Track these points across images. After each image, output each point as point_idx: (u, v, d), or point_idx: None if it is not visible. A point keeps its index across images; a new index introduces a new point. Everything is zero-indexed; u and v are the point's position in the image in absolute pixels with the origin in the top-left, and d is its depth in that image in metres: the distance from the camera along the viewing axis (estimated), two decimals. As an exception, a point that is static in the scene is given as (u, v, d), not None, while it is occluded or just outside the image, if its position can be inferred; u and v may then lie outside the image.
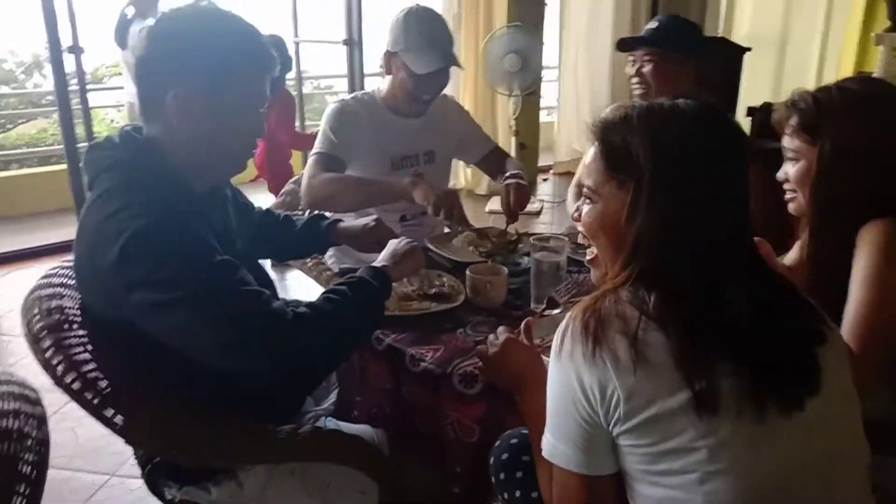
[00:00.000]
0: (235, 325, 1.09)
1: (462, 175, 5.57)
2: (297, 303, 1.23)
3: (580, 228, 1.02)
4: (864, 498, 0.90)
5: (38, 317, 1.24)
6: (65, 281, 1.35)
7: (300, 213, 2.12)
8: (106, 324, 1.19)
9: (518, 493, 1.19)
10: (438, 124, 2.19)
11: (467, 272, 1.61)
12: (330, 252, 2.22)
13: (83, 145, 4.30)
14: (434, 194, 1.83)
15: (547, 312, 1.45)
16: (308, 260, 2.16)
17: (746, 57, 5.00)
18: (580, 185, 2.35)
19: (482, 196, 5.44)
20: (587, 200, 0.98)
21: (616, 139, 0.91)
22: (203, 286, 1.09)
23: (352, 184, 2.00)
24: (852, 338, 1.16)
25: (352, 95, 2.19)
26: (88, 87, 4.33)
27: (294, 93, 4.80)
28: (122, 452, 2.27)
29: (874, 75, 4.94)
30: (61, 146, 4.64)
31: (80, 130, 4.29)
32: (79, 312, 1.29)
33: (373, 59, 5.15)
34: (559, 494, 0.93)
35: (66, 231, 4.43)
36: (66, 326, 1.25)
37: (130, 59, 4.63)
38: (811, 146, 1.30)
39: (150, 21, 4.47)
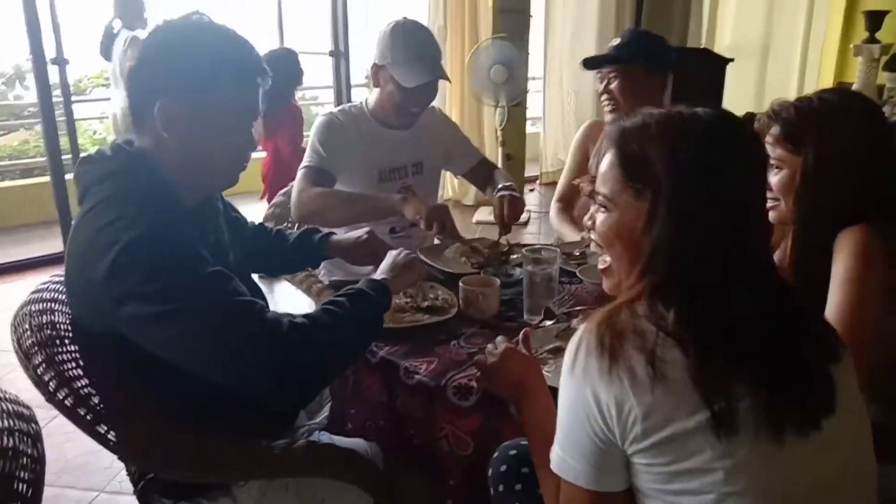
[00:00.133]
0: (229, 335, 1.08)
1: (449, 186, 5.58)
2: (293, 315, 1.23)
3: (593, 237, 1.00)
4: None
5: (28, 332, 1.23)
6: (55, 296, 1.34)
7: (290, 225, 2.12)
8: (98, 338, 1.18)
9: (517, 505, 1.18)
10: (426, 135, 2.20)
11: (460, 284, 1.62)
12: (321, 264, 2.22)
13: (67, 157, 4.27)
14: (425, 209, 1.83)
15: (543, 324, 1.46)
16: (298, 272, 2.15)
17: (729, 67, 5.08)
18: (563, 200, 2.39)
19: (469, 206, 5.46)
20: (602, 209, 0.95)
21: (634, 147, 0.90)
22: (195, 297, 1.08)
23: (342, 199, 2.01)
24: None
25: (339, 108, 2.20)
26: (73, 98, 4.30)
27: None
28: (110, 468, 2.25)
29: (854, 85, 5.03)
30: (44, 158, 4.62)
31: (63, 142, 4.26)
32: (70, 327, 1.28)
33: (358, 70, 5.17)
34: None
35: (50, 244, 4.39)
36: (57, 342, 1.24)
37: (116, 70, 4.61)
38: (793, 155, 1.33)
39: (137, 33, 4.49)
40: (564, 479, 0.90)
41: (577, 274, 1.79)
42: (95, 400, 1.22)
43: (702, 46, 5.67)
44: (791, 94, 1.61)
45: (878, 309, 1.22)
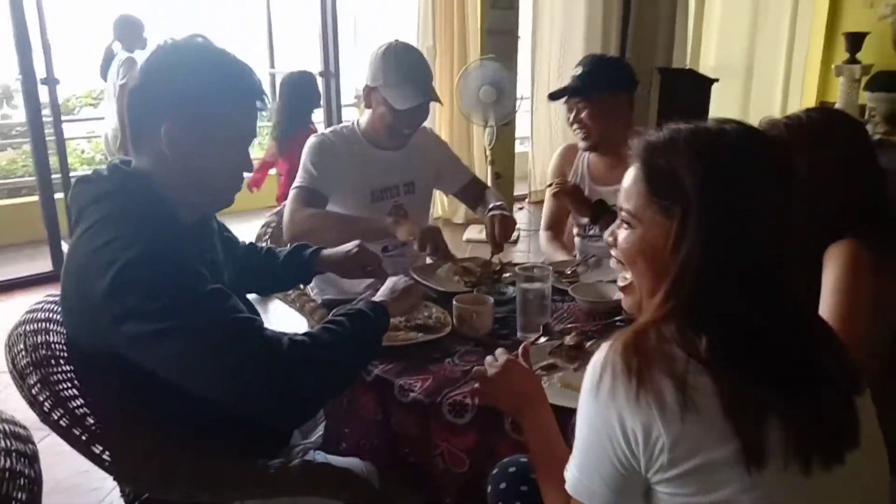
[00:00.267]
0: (229, 353, 1.08)
1: (439, 204, 5.61)
2: (294, 333, 1.23)
3: (614, 253, 0.98)
4: None
5: (23, 352, 1.24)
6: (50, 315, 1.34)
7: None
8: (94, 358, 1.18)
9: (516, 523, 1.18)
10: (418, 155, 2.22)
11: (453, 302, 1.63)
12: (313, 283, 2.22)
13: (56, 177, 4.26)
14: (418, 230, 1.85)
15: (537, 341, 1.46)
16: (290, 291, 2.16)
17: (714, 87, 5.16)
18: (552, 228, 2.41)
19: (459, 225, 5.48)
20: (625, 225, 0.93)
21: (661, 162, 0.87)
22: (195, 315, 1.08)
23: (335, 220, 2.02)
24: None
25: (331, 129, 2.22)
26: (63, 118, 4.30)
27: (270, 123, 4.82)
28: (100, 489, 2.23)
29: (836, 105, 5.12)
30: (32, 178, 4.60)
31: (52, 161, 4.25)
32: (65, 347, 1.28)
33: (348, 90, 5.20)
34: None
35: (38, 264, 4.36)
36: (52, 362, 1.25)
37: (111, 90, 4.64)
38: None
39: (136, 54, 4.52)
40: (578, 501, 0.88)
41: (570, 292, 1.81)
42: (91, 420, 1.22)
43: (687, 67, 5.75)
44: (775, 114, 1.65)
45: (867, 317, 1.25)
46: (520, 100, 4.82)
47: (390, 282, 1.48)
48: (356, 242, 1.72)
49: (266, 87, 1.38)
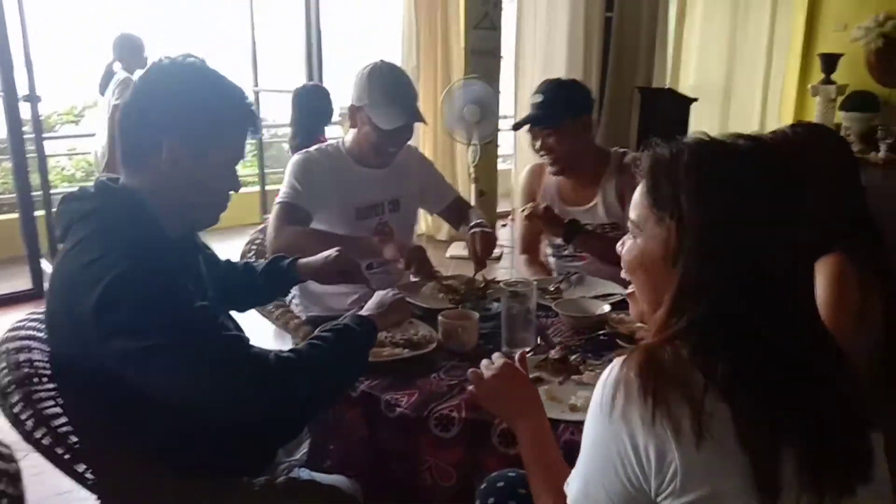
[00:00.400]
0: (218, 370, 1.09)
1: (423, 221, 5.62)
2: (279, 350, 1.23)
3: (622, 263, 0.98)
4: None
5: (5, 370, 1.22)
6: (33, 333, 1.33)
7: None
8: (79, 375, 1.18)
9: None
10: (402, 173, 2.23)
11: (439, 317, 1.64)
12: (297, 300, 2.22)
13: (37, 194, 4.23)
14: (404, 249, 1.86)
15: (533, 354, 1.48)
16: (273, 308, 2.15)
17: (693, 106, 5.24)
18: (529, 251, 2.43)
19: (443, 242, 5.50)
20: (630, 235, 0.94)
21: (663, 175, 0.87)
22: (184, 332, 1.09)
23: (320, 239, 2.02)
24: None
25: (316, 147, 2.23)
26: (44, 135, 4.28)
27: (252, 141, 4.83)
28: (79, 511, 2.19)
29: (813, 124, 5.20)
30: (13, 195, 4.56)
31: (33, 179, 4.22)
32: (48, 365, 1.27)
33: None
34: None
35: (18, 282, 4.30)
36: (35, 380, 1.24)
37: (106, 108, 4.65)
38: None
39: (136, 74, 4.54)
40: None
41: (553, 307, 1.82)
42: (74, 438, 1.20)
43: (667, 87, 5.84)
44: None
45: (851, 332, 1.28)
46: (503, 119, 4.86)
47: (378, 295, 1.48)
48: (336, 248, 1.72)
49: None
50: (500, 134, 5.41)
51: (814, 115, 5.41)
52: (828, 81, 5.35)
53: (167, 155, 1.20)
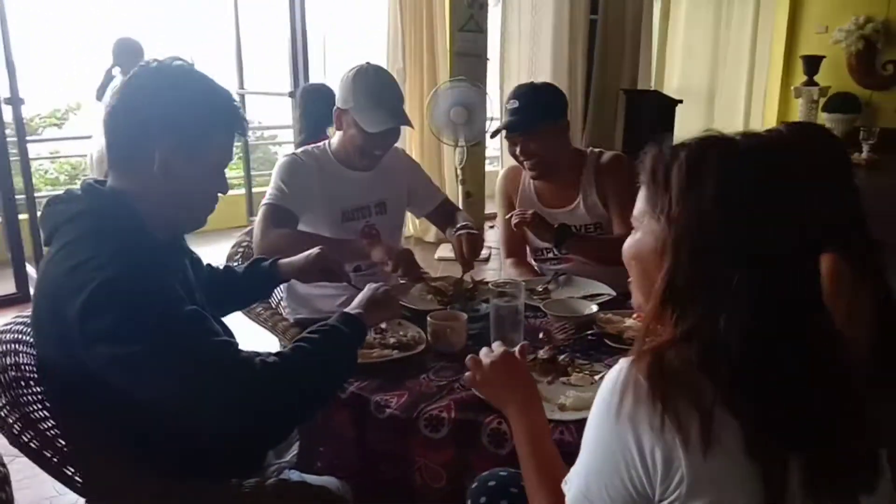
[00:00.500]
0: (207, 376, 1.08)
1: (410, 223, 5.62)
2: (267, 353, 1.23)
3: None
4: None
5: (-9, 375, 1.21)
6: (19, 337, 1.32)
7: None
8: (66, 379, 1.17)
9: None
10: (389, 176, 2.23)
11: (428, 318, 1.64)
12: (285, 303, 2.22)
13: (21, 198, 4.19)
14: (392, 252, 1.86)
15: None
16: (262, 310, 2.14)
17: (678, 108, 5.28)
18: (513, 254, 2.43)
19: (430, 244, 5.50)
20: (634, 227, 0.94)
21: (661, 171, 0.86)
22: (170, 339, 1.08)
23: (306, 241, 2.01)
24: None
25: (302, 149, 2.22)
26: (28, 138, 4.24)
27: (238, 144, 4.81)
28: (65, 516, 2.17)
29: (796, 125, 5.26)
30: (-4, 199, 4.49)
31: (16, 182, 4.19)
32: (36, 369, 1.26)
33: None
34: None
35: (2, 286, 4.26)
36: (22, 383, 1.23)
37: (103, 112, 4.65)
38: None
39: None
40: None
41: (542, 308, 1.83)
42: (62, 442, 1.20)
43: (652, 88, 5.89)
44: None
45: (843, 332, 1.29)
46: (489, 121, 4.88)
47: (368, 290, 1.48)
48: (317, 247, 1.72)
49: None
50: (486, 135, 5.43)
51: (797, 116, 5.48)
52: (810, 83, 5.42)
53: (160, 159, 1.19)
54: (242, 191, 6.02)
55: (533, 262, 2.41)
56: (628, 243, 0.94)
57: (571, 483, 0.88)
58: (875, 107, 5.37)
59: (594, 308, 1.80)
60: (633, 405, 0.78)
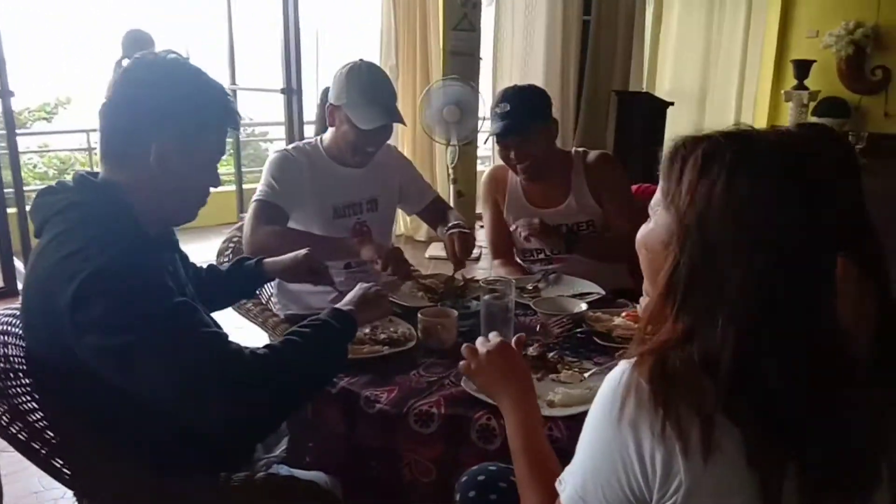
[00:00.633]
0: (197, 367, 1.08)
1: (401, 221, 5.62)
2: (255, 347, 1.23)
3: None
4: None
5: (-21, 366, 1.21)
6: (7, 329, 1.31)
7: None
8: (55, 370, 1.17)
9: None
10: (381, 173, 2.23)
11: (418, 315, 1.65)
12: (275, 298, 2.22)
13: (10, 191, 4.17)
14: (382, 250, 1.87)
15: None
16: (252, 305, 2.14)
17: (669, 110, 5.31)
18: (501, 255, 2.44)
19: (421, 242, 5.50)
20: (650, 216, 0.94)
21: (678, 163, 0.85)
22: (159, 330, 1.08)
23: (296, 239, 2.01)
24: None
25: (294, 145, 2.22)
26: (17, 132, 4.20)
27: (229, 140, 4.79)
28: (52, 510, 2.16)
29: (786, 129, 5.30)
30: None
31: (5, 175, 4.16)
32: (24, 360, 1.26)
33: (310, 107, 5.20)
34: None
35: (-12, 280, 4.24)
36: (10, 375, 1.22)
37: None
38: None
39: None
40: None
41: (532, 306, 1.84)
42: (50, 433, 1.20)
43: (643, 90, 5.91)
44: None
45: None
46: (482, 120, 4.88)
47: (360, 288, 1.48)
48: (305, 248, 1.72)
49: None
50: (479, 135, 5.44)
51: (787, 119, 5.52)
52: (800, 87, 5.46)
53: (155, 151, 1.19)
54: (233, 187, 6.01)
55: (521, 263, 2.42)
56: (641, 231, 0.93)
57: (566, 482, 0.88)
58: (864, 111, 5.42)
59: (583, 306, 1.81)
60: (635, 409, 0.78)
